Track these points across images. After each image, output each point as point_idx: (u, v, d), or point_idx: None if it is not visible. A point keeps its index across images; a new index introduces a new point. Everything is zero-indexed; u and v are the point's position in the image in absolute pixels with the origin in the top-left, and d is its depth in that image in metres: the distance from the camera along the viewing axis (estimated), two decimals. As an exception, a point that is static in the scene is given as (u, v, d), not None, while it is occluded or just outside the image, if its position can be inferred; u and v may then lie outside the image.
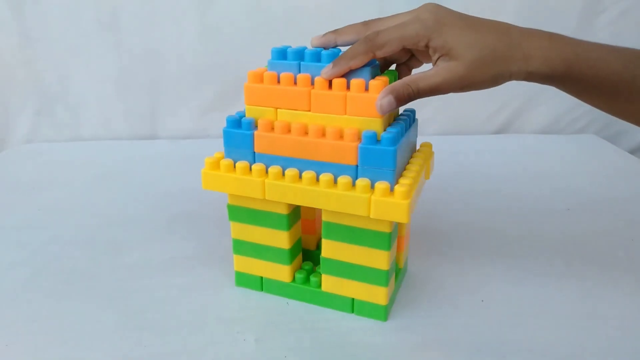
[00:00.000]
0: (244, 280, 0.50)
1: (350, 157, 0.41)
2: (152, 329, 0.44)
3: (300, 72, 0.43)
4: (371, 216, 0.40)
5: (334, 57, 0.42)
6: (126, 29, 0.90)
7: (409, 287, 0.50)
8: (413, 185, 0.41)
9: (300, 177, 0.43)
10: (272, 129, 0.43)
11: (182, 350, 0.42)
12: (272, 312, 0.47)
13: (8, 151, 0.93)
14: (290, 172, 0.42)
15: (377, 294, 0.45)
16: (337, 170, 0.42)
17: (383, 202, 0.39)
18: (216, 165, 0.45)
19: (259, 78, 0.43)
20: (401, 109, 0.48)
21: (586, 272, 0.52)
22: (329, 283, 0.46)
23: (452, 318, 0.46)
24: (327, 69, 0.41)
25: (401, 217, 0.39)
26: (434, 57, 0.41)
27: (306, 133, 0.42)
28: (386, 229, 0.42)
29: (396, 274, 0.49)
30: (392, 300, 0.47)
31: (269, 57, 0.44)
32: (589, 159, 0.85)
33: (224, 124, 0.44)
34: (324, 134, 0.42)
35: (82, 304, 0.48)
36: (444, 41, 0.39)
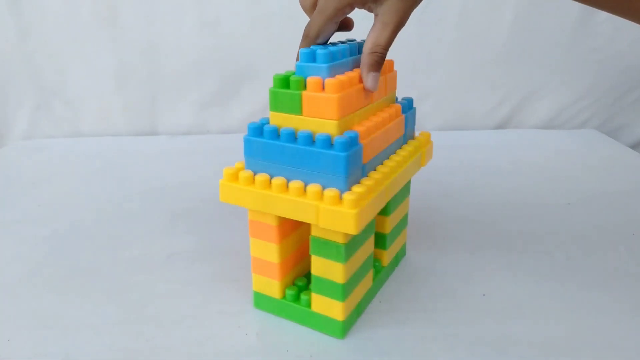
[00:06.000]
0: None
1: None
2: (153, 323, 0.44)
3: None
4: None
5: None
6: (125, 23, 0.90)
7: (410, 281, 0.50)
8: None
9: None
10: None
11: (183, 344, 0.42)
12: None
13: (7, 147, 0.93)
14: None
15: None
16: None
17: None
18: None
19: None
20: (399, 97, 0.48)
21: (587, 266, 0.52)
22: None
23: (452, 312, 0.46)
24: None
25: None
26: (369, 7, 0.41)
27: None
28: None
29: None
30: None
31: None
32: (590, 154, 0.85)
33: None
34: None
35: (83, 299, 0.48)
36: None
